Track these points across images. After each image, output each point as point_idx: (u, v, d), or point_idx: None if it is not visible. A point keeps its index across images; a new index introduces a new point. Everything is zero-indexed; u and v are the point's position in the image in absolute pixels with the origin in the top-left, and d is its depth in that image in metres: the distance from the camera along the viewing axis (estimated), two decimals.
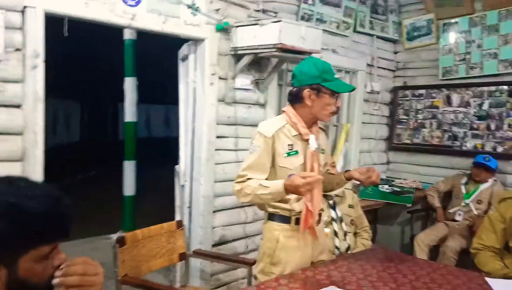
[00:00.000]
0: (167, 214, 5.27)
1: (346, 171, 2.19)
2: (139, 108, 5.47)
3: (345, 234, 2.74)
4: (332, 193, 2.75)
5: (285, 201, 2.05)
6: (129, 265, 2.32)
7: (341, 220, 2.74)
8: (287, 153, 2.02)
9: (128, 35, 5.27)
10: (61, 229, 1.01)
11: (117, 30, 5.13)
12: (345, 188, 2.89)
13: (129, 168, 5.35)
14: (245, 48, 3.16)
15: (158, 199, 7.25)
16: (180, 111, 3.71)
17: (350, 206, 2.85)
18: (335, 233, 2.70)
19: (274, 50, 3.00)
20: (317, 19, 3.88)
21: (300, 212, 2.03)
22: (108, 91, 11.86)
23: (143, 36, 4.69)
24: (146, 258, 2.45)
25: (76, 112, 13.88)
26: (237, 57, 3.28)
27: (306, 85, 1.99)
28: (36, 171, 2.43)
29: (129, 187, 5.35)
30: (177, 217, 3.74)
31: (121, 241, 2.28)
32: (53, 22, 2.51)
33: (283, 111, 2.12)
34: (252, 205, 3.38)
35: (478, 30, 4.23)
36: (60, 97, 10.51)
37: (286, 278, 1.92)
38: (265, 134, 2.01)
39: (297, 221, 2.05)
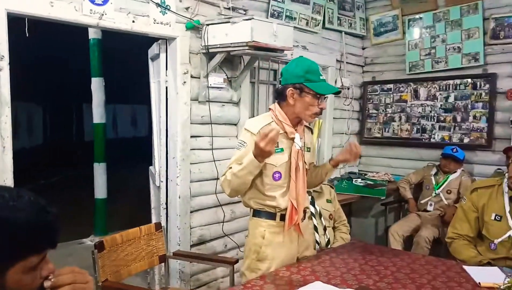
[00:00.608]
0: (140, 216, 5.18)
1: (330, 159, 2.22)
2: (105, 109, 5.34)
3: (325, 228, 2.77)
4: (310, 188, 2.77)
5: (271, 198, 2.06)
6: (109, 270, 2.26)
7: (320, 215, 2.77)
8: None
9: (93, 34, 5.13)
10: (49, 238, 0.99)
11: (80, 30, 4.99)
12: (323, 183, 2.93)
13: (99, 171, 5.23)
14: (217, 46, 3.13)
15: (129, 201, 7.13)
16: (152, 111, 3.65)
17: (328, 201, 2.88)
18: (315, 228, 2.72)
19: (246, 48, 2.98)
20: (287, 16, 3.90)
21: (285, 209, 2.05)
22: (72, 91, 11.55)
23: (107, 35, 4.60)
24: (125, 262, 2.41)
25: (38, 115, 13.43)
26: (209, 56, 3.24)
27: (290, 84, 2.01)
28: (6, 178, 2.33)
29: (100, 190, 5.24)
30: (153, 219, 3.70)
31: (100, 246, 2.23)
32: (9, 21, 2.40)
33: (270, 109, 2.13)
34: (231, 203, 3.39)
35: (442, 25, 4.36)
36: (21, 100, 10.15)
37: (271, 275, 1.92)
38: (252, 131, 2.03)
39: (282, 218, 2.07)
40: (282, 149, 2.05)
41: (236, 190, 2.06)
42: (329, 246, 2.73)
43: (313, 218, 2.75)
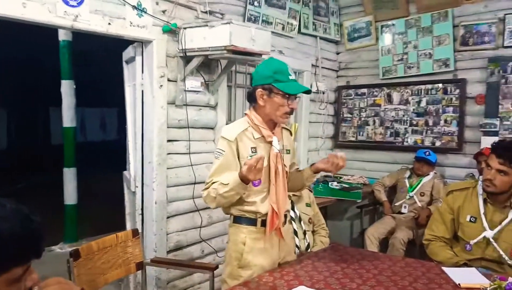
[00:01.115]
0: (111, 222, 5.06)
1: (311, 165, 2.20)
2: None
3: (304, 232, 2.77)
4: (290, 193, 2.77)
5: (251, 204, 2.04)
6: (85, 279, 2.18)
7: (299, 219, 2.77)
8: (250, 156, 1.99)
9: (63, 36, 5.00)
10: (34, 248, 0.95)
11: (50, 31, 4.84)
12: None
13: (69, 176, 5.08)
14: (195, 50, 3.10)
15: (100, 207, 6.95)
16: (127, 115, 3.57)
17: (308, 205, 2.89)
18: (295, 232, 2.72)
19: (225, 52, 2.96)
20: (263, 21, 3.90)
21: (266, 214, 2.03)
22: (38, 94, 11.21)
23: (78, 36, 4.47)
24: (102, 271, 2.33)
25: (2, 118, 12.95)
26: (186, 59, 3.20)
27: (259, 85, 2.01)
28: None
29: (70, 196, 5.09)
30: (128, 225, 3.62)
31: (75, 254, 2.15)
32: None
33: (246, 114, 2.11)
34: (208, 208, 3.35)
35: (414, 32, 4.46)
36: None
37: (254, 281, 1.90)
38: (228, 138, 2.01)
39: (263, 223, 2.05)
40: None
41: (221, 206, 2.07)
42: (309, 250, 2.73)
43: (292, 222, 2.74)
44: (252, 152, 2.02)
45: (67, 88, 5.01)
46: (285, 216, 2.17)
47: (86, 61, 8.91)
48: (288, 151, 2.19)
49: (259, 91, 2.00)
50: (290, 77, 2.02)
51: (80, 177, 5.28)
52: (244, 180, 1.87)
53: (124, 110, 3.65)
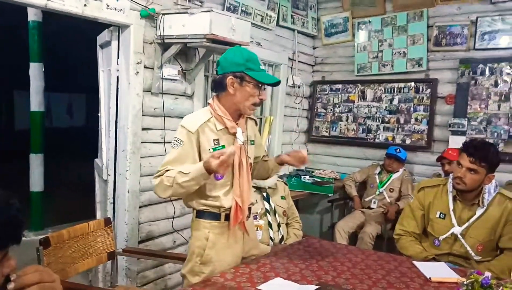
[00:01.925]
0: (79, 210, 4.93)
1: (277, 156, 2.17)
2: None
3: (279, 225, 2.78)
4: (266, 185, 2.78)
5: (214, 198, 1.98)
6: (54, 268, 2.12)
7: (274, 211, 2.78)
8: (213, 148, 1.93)
9: (32, 16, 4.81)
10: (13, 234, 0.91)
11: (18, 11, 4.65)
12: (277, 180, 2.95)
13: (36, 162, 4.92)
14: (173, 37, 3.04)
15: (67, 194, 6.78)
16: (100, 101, 3.48)
17: (283, 198, 2.90)
18: (269, 225, 2.73)
19: (204, 40, 2.92)
20: (242, 11, 3.87)
21: (230, 208, 1.97)
22: (1, 77, 10.75)
23: (49, 17, 4.30)
24: (72, 260, 2.28)
25: None
26: (164, 46, 3.14)
27: (229, 72, 1.92)
28: None
29: (36, 183, 4.93)
30: (98, 214, 3.54)
31: (45, 243, 2.09)
32: None
33: (209, 104, 2.03)
34: (181, 198, 3.31)
35: (389, 30, 4.54)
36: None
37: (231, 273, 1.90)
38: (189, 129, 1.92)
39: (227, 218, 1.99)
40: (223, 146, 1.95)
41: (176, 196, 2.00)
42: (283, 242, 2.75)
43: (267, 214, 2.75)
44: (214, 144, 1.94)
45: (35, 71, 4.83)
46: (249, 209, 2.11)
47: (54, 44, 8.59)
48: (252, 142, 2.12)
49: (230, 79, 1.91)
50: (261, 67, 1.97)
51: (46, 163, 5.12)
52: (208, 170, 1.79)
53: (93, 96, 3.55)
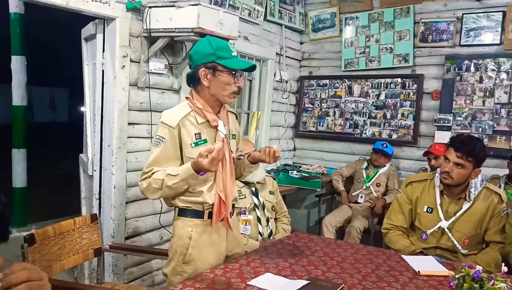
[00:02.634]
0: (62, 206, 4.85)
1: (248, 155, 2.07)
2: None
3: (267, 220, 2.78)
4: (254, 180, 2.77)
5: (197, 194, 1.92)
6: (39, 265, 2.08)
7: (263, 206, 2.78)
8: (194, 143, 1.88)
9: (14, 8, 4.70)
10: (1, 231, 0.87)
11: None
12: (266, 175, 2.94)
13: (18, 157, 4.82)
14: (160, 30, 2.99)
15: (50, 190, 6.68)
16: (85, 95, 3.43)
17: (271, 193, 2.90)
18: (258, 219, 2.72)
19: (192, 34, 2.88)
20: (230, 5, 3.84)
21: (213, 204, 1.92)
22: None
23: (31, 9, 4.20)
24: (58, 257, 2.24)
25: None
26: (151, 40, 3.09)
27: (201, 64, 1.87)
28: None
29: (19, 178, 4.83)
30: (84, 210, 3.50)
31: (30, 239, 2.05)
32: None
33: (187, 98, 1.97)
34: None
35: (376, 26, 4.55)
36: None
37: (221, 268, 1.89)
38: (169, 124, 1.86)
39: (210, 215, 1.93)
40: (205, 141, 1.90)
41: (166, 197, 1.95)
42: (271, 237, 2.74)
43: (256, 209, 2.74)
44: (196, 138, 1.88)
45: (17, 64, 4.73)
46: (233, 206, 2.07)
47: (36, 36, 8.42)
48: (234, 136, 2.07)
49: (202, 71, 1.85)
50: (233, 54, 1.90)
51: (29, 159, 5.03)
52: (197, 170, 1.75)
53: (76, 90, 3.49)
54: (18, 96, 4.79)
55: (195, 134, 1.89)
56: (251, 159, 2.03)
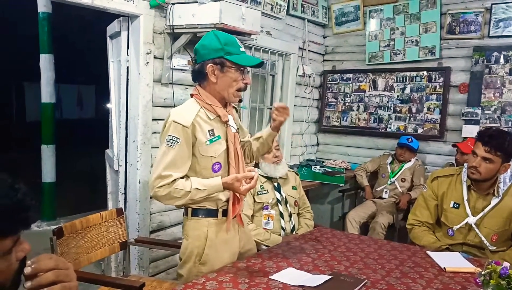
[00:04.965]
0: (90, 201, 4.96)
1: (269, 126, 2.04)
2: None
3: (290, 215, 2.77)
4: (277, 175, 2.77)
5: None
6: (68, 258, 2.15)
7: (286, 201, 2.77)
8: (209, 140, 1.84)
9: (42, 7, 4.82)
10: (22, 219, 0.90)
11: (28, 2, 4.65)
12: (289, 170, 2.93)
13: (47, 153, 4.96)
14: (183, 26, 3.02)
15: (78, 185, 6.84)
16: (111, 92, 3.49)
17: (294, 188, 2.89)
18: (281, 215, 2.72)
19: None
20: (252, 0, 3.83)
21: (226, 201, 1.91)
22: (12, 69, 10.82)
23: (56, 8, 4.29)
24: (85, 249, 2.30)
25: None
26: (174, 36, 3.13)
27: (208, 60, 1.82)
28: None
29: (48, 174, 4.97)
30: (110, 204, 3.57)
31: (58, 233, 2.11)
32: None
33: (194, 95, 1.91)
34: None
35: (401, 18, 4.47)
36: None
37: (243, 263, 1.90)
38: (183, 124, 1.78)
39: (224, 213, 1.92)
40: (219, 137, 1.86)
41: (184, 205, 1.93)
42: (294, 232, 2.74)
43: (278, 204, 2.74)
44: (210, 135, 1.84)
45: (46, 62, 4.85)
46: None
47: (64, 35, 8.61)
48: (238, 131, 2.03)
49: (209, 66, 1.80)
50: (241, 49, 1.86)
51: (58, 155, 5.16)
52: (226, 188, 1.77)
53: (102, 87, 3.56)
54: (46, 93, 4.91)
55: (209, 130, 1.84)
56: (273, 127, 2.01)
